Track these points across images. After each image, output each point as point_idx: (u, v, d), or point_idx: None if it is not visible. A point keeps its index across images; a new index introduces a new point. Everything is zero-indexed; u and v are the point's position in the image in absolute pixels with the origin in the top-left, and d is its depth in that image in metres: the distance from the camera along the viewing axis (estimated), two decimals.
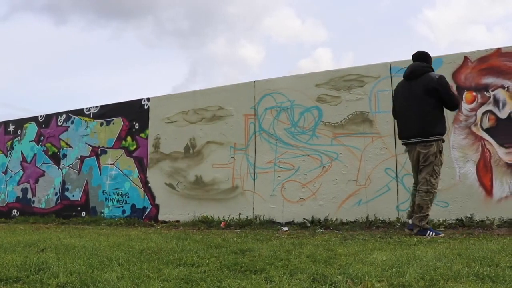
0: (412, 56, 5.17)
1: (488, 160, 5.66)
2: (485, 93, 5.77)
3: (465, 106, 5.89)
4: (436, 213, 5.79)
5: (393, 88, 5.80)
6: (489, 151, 5.67)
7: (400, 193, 6.07)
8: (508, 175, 5.60)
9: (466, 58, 5.98)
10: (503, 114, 5.72)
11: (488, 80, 5.84)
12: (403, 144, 5.15)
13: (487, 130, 5.66)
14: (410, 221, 4.99)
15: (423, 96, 4.81)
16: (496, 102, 5.75)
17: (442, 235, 4.67)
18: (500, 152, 5.66)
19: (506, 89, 5.74)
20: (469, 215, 5.58)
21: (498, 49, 5.85)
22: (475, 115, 5.84)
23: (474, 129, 5.82)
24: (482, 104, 5.82)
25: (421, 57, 5.08)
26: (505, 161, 5.63)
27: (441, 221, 5.67)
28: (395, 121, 5.48)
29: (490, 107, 5.70)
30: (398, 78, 6.20)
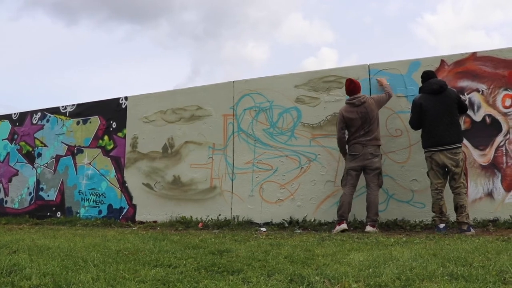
0: (427, 74, 5.62)
1: (464, 162, 5.74)
2: (460, 96, 5.87)
3: None
4: (413, 214, 5.87)
5: (371, 90, 6.23)
6: (464, 153, 5.76)
7: None
8: (482, 177, 5.71)
9: (443, 62, 6.07)
10: (477, 117, 5.82)
11: (464, 83, 5.94)
12: (432, 151, 5.35)
13: (462, 133, 5.74)
14: (441, 225, 5.28)
15: (454, 108, 5.35)
16: (471, 105, 5.84)
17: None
18: (474, 154, 5.77)
19: (480, 92, 5.84)
20: None
21: (474, 53, 5.96)
22: None
23: None
24: None
25: (435, 74, 5.65)
26: (479, 163, 5.73)
27: (417, 222, 5.75)
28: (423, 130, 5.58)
29: None
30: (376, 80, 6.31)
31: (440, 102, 5.33)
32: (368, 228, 5.52)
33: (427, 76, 5.59)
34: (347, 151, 5.91)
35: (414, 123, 5.59)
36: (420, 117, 5.45)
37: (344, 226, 5.59)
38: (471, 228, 5.10)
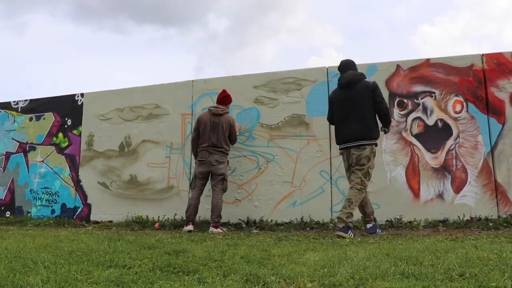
0: (342, 65, 5.33)
1: (417, 164, 5.94)
2: (415, 100, 6.06)
3: (396, 112, 6.15)
4: None
5: (329, 92, 6.14)
6: (417, 155, 5.95)
7: (334, 195, 6.23)
8: (433, 179, 5.91)
9: (398, 67, 6.25)
10: (430, 121, 6.03)
11: (418, 88, 6.13)
12: (341, 148, 5.26)
13: (416, 136, 5.94)
14: (368, 226, 5.21)
15: (363, 102, 5.00)
16: (424, 109, 6.05)
17: (353, 236, 4.81)
18: (427, 157, 5.96)
19: (433, 97, 6.05)
20: (398, 217, 5.82)
21: (427, 60, 6.17)
22: (406, 121, 6.11)
23: (404, 134, 6.08)
24: (412, 111, 6.10)
25: (352, 66, 5.29)
26: (431, 166, 5.93)
27: None
28: (331, 126, 5.62)
29: (419, 114, 5.98)
30: (335, 83, 6.39)
31: (348, 97, 5.10)
32: (211, 229, 5.94)
33: (342, 68, 5.33)
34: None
35: (328, 118, 5.57)
36: (331, 112, 5.39)
37: (190, 227, 6.02)
38: (349, 231, 4.82)
